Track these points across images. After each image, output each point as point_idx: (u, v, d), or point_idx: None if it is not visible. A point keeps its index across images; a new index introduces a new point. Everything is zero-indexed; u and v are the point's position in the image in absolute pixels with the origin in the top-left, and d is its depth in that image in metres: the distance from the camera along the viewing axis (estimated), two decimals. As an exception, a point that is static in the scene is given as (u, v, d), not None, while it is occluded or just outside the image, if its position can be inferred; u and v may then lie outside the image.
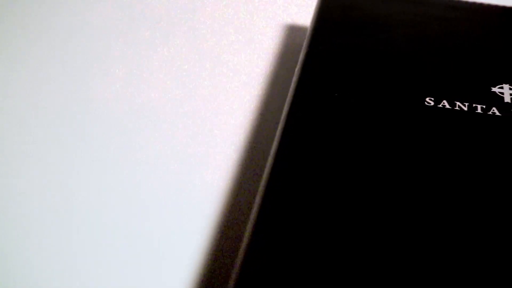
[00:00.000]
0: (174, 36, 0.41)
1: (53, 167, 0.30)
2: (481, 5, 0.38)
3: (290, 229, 0.23)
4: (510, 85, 0.31)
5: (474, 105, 0.29)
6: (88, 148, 0.31)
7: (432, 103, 0.29)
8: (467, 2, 0.39)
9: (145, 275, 0.26)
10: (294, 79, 0.32)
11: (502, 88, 0.31)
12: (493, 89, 0.31)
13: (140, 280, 0.25)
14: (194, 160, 0.31)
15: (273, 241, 0.23)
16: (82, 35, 0.41)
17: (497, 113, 0.29)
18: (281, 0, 0.45)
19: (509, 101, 0.30)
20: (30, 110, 0.34)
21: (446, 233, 0.23)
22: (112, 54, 0.39)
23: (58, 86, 0.36)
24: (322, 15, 0.37)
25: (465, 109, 0.29)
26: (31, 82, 0.36)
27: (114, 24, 0.42)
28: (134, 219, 0.28)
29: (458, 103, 0.30)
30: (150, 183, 0.30)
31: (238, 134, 0.33)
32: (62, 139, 0.32)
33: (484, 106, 0.29)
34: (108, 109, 0.34)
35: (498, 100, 0.30)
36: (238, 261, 0.22)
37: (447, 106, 0.29)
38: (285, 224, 0.23)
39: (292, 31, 0.42)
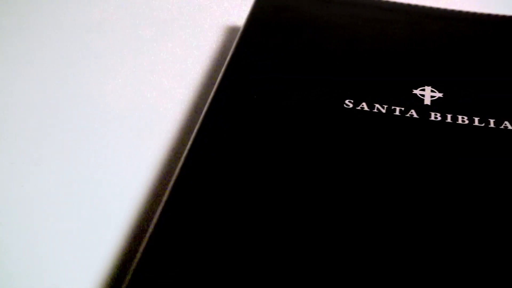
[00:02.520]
0: (113, 32, 0.41)
1: None
2: (414, 6, 0.39)
3: (192, 230, 0.23)
4: (432, 88, 0.31)
5: (393, 107, 0.29)
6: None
7: (351, 105, 0.29)
8: (399, 4, 0.39)
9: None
10: (217, 80, 0.31)
11: (423, 90, 0.31)
12: (415, 91, 0.31)
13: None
14: (124, 154, 0.31)
15: (173, 241, 0.23)
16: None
17: (415, 116, 0.29)
18: (223, 1, 0.45)
19: (429, 103, 0.30)
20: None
21: (359, 233, 0.23)
22: (48, 51, 0.39)
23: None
24: (254, 17, 0.37)
25: (384, 111, 0.29)
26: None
27: (53, 19, 0.42)
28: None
29: (377, 105, 0.30)
30: (79, 178, 0.29)
31: (169, 133, 0.33)
32: None
33: (402, 109, 0.29)
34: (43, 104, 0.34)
35: (418, 102, 0.30)
36: (136, 259, 0.22)
37: (366, 108, 0.29)
38: (187, 226, 0.23)
39: (233, 32, 0.42)
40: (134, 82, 0.37)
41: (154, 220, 0.24)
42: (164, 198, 0.24)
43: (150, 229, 0.23)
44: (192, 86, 0.37)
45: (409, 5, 0.39)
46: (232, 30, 0.42)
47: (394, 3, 0.39)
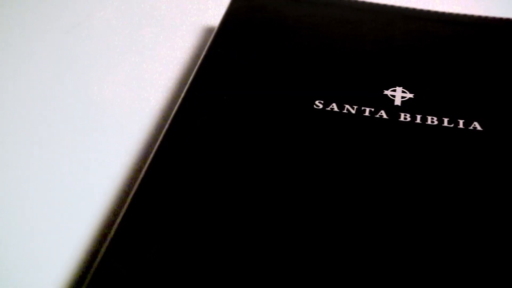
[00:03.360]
0: (91, 33, 0.41)
1: None
2: (388, 7, 0.39)
3: (156, 231, 0.23)
4: (403, 88, 0.31)
5: (362, 108, 0.29)
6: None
7: (321, 106, 0.29)
8: (374, 4, 0.39)
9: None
10: (189, 81, 0.31)
11: (394, 91, 0.31)
12: (386, 92, 0.31)
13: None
14: (95, 153, 0.31)
15: (135, 241, 0.22)
16: None
17: (384, 116, 0.29)
18: (201, 1, 0.45)
19: (399, 104, 0.30)
20: None
21: (326, 233, 0.23)
22: (28, 52, 0.39)
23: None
24: (228, 17, 0.36)
25: (353, 112, 0.29)
26: None
27: (33, 20, 0.42)
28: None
29: (347, 106, 0.29)
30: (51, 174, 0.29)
31: (141, 134, 0.33)
32: None
33: (372, 109, 0.29)
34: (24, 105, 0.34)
35: (388, 103, 0.30)
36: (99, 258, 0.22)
37: (335, 109, 0.29)
38: (151, 225, 0.23)
39: (210, 33, 0.42)
40: (110, 82, 0.37)
41: (118, 220, 0.23)
42: (128, 200, 0.24)
43: (114, 228, 0.23)
44: (167, 86, 0.37)
45: (382, 6, 0.39)
46: (209, 30, 0.42)
47: (368, 3, 0.39)
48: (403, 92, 0.31)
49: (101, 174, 0.30)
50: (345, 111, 0.29)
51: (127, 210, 0.24)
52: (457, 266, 0.22)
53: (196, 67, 0.32)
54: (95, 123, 0.33)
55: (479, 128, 0.28)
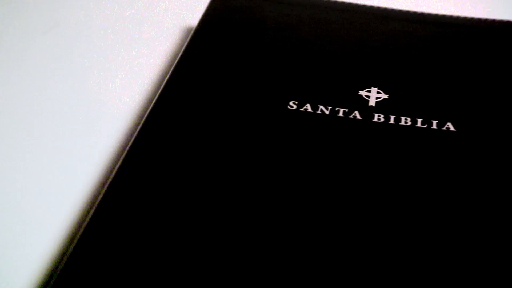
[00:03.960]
0: (69, 33, 0.41)
1: None
2: (365, 7, 0.39)
3: (122, 235, 0.23)
4: (378, 89, 0.31)
5: (336, 108, 0.29)
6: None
7: (295, 107, 0.29)
8: (351, 5, 0.39)
9: None
10: (164, 81, 0.31)
11: (369, 91, 0.31)
12: (360, 93, 0.31)
13: None
14: (67, 154, 0.31)
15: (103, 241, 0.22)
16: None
17: (358, 117, 0.29)
18: (183, 2, 0.45)
19: (374, 104, 0.30)
20: None
21: (297, 235, 0.23)
22: (4, 53, 0.38)
23: None
24: (207, 18, 0.36)
25: (327, 112, 0.29)
26: None
27: (9, 21, 0.42)
28: None
29: (321, 106, 0.29)
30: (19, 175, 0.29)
31: (117, 135, 0.32)
32: None
33: (346, 110, 0.29)
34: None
35: (363, 103, 0.30)
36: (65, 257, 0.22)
37: (309, 110, 0.29)
38: (117, 230, 0.23)
39: (189, 33, 0.42)
40: (86, 82, 0.36)
41: (84, 224, 0.23)
42: (97, 201, 0.24)
43: (79, 233, 0.23)
44: (144, 87, 0.36)
45: (360, 6, 0.39)
46: (190, 31, 0.42)
47: (345, 4, 0.39)
48: (378, 92, 0.31)
49: (73, 174, 0.30)
50: (319, 111, 0.29)
51: (95, 211, 0.24)
52: (437, 265, 0.22)
53: (172, 67, 0.32)
54: (69, 124, 0.33)
55: (452, 128, 0.28)
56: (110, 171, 0.30)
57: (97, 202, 0.24)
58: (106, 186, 0.25)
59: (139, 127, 0.28)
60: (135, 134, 0.28)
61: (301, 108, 0.29)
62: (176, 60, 0.33)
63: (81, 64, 0.38)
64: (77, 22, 0.43)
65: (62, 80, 0.37)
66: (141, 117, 0.34)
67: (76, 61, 0.38)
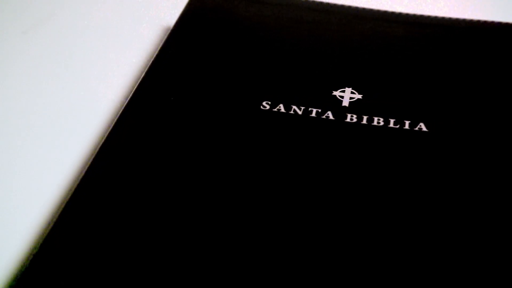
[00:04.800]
0: (50, 33, 0.40)
1: None
2: (344, 7, 0.38)
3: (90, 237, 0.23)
4: (352, 89, 0.31)
5: (310, 109, 0.29)
6: None
7: (268, 107, 0.29)
8: (330, 5, 0.39)
9: None
10: (138, 81, 0.31)
11: (343, 92, 0.31)
12: (334, 93, 0.31)
13: None
14: (44, 155, 0.31)
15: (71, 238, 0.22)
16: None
17: (331, 117, 0.29)
18: (163, 1, 0.45)
19: (347, 105, 0.30)
20: None
21: (273, 235, 0.23)
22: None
23: None
24: (184, 18, 0.36)
25: (300, 113, 0.29)
26: None
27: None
28: None
29: (294, 107, 0.29)
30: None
31: (94, 135, 0.32)
32: None
33: (319, 110, 0.29)
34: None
35: (336, 104, 0.30)
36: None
37: (282, 110, 0.29)
38: (84, 231, 0.23)
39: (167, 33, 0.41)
40: (64, 81, 0.36)
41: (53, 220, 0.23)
42: (65, 201, 0.24)
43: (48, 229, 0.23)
44: (120, 86, 0.36)
45: (336, 6, 0.38)
46: (168, 30, 0.42)
47: (322, 4, 0.39)
48: (351, 93, 0.31)
49: (46, 172, 0.29)
50: (291, 112, 0.29)
51: (62, 210, 0.24)
52: (416, 262, 0.22)
53: (147, 67, 0.32)
54: (44, 124, 0.33)
55: (424, 129, 0.28)
56: (80, 171, 0.30)
57: (65, 201, 0.24)
58: (75, 185, 0.25)
59: (110, 127, 0.28)
60: (106, 135, 0.27)
61: (274, 108, 0.29)
62: (152, 59, 0.33)
63: (60, 62, 0.38)
64: (56, 21, 0.43)
65: (39, 79, 0.36)
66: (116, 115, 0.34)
67: (55, 60, 0.38)
